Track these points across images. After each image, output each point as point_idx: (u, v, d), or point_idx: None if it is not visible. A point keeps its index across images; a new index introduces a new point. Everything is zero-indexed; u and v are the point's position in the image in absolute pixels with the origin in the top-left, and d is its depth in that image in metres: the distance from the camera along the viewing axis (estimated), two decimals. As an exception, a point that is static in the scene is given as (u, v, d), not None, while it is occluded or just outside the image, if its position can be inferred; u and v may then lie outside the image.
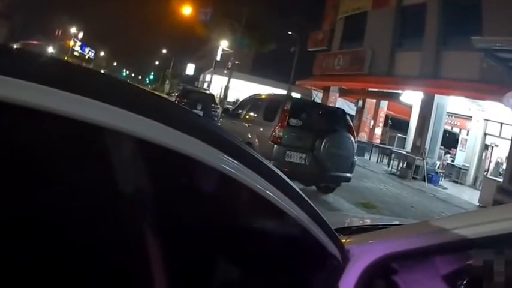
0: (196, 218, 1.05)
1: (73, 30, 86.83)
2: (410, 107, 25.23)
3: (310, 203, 1.35)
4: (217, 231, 1.12)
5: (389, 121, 32.61)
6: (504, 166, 18.60)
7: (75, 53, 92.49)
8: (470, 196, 17.76)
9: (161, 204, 0.97)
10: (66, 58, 67.39)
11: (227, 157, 1.02)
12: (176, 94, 29.03)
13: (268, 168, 1.20)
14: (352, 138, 10.35)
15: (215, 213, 1.10)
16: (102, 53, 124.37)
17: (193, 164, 0.95)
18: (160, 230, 0.96)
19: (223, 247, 1.15)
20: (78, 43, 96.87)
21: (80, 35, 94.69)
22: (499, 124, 21.64)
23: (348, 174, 10.58)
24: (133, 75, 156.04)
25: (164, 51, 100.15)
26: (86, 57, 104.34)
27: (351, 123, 11.03)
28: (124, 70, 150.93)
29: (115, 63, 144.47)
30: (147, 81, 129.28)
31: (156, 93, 1.23)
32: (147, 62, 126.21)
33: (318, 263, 1.51)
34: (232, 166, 1.03)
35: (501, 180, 16.53)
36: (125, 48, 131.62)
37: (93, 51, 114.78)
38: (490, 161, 22.31)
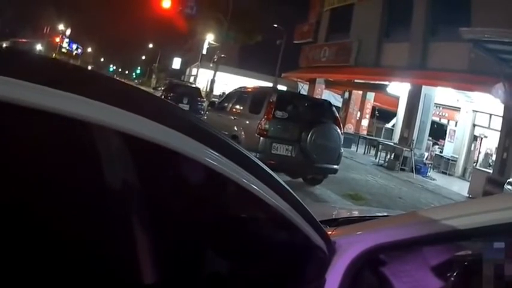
0: (180, 211, 1.07)
1: (61, 27, 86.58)
2: (397, 98, 25.41)
3: (294, 194, 1.34)
4: (200, 224, 1.12)
5: (376, 112, 32.78)
6: (493, 157, 18.88)
7: (63, 50, 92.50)
8: (460, 187, 17.91)
9: (145, 198, 0.99)
10: (54, 55, 67.63)
11: (209, 150, 1.01)
12: (162, 88, 29.03)
13: (251, 160, 1.20)
14: (339, 130, 10.36)
15: (198, 206, 1.11)
16: (89, 49, 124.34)
17: (176, 157, 0.96)
18: (145, 223, 0.98)
19: (207, 240, 1.17)
20: (66, 40, 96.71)
21: (68, 31, 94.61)
22: (488, 115, 21.80)
23: (335, 166, 10.61)
24: (120, 70, 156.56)
25: (150, 45, 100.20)
26: (74, 53, 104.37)
27: (337, 115, 11.05)
28: (111, 65, 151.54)
29: (102, 59, 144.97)
30: (134, 76, 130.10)
31: (141, 88, 1.23)
32: (134, 57, 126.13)
33: (303, 255, 1.48)
34: (214, 159, 1.02)
35: (491, 171, 16.80)
36: (111, 43, 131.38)
37: (81, 48, 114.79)
38: (479, 152, 22.62)
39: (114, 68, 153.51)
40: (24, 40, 60.10)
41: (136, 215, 0.97)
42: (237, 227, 1.23)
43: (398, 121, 24.89)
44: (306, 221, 1.36)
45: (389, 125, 30.62)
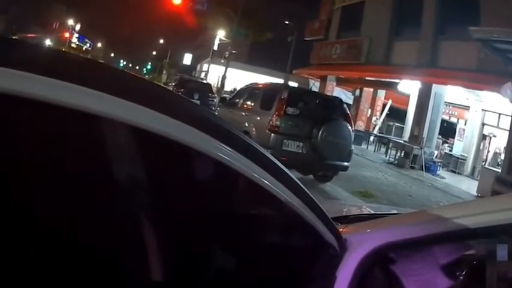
0: (192, 205, 1.07)
1: (70, 22, 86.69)
2: (408, 96, 25.27)
3: (307, 191, 1.34)
4: (212, 219, 1.13)
5: (387, 110, 32.66)
6: (502, 156, 18.78)
7: (73, 45, 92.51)
8: (468, 186, 17.82)
9: (157, 192, 0.99)
10: (63, 50, 67.52)
11: (222, 145, 1.01)
12: (173, 84, 29.04)
13: (264, 155, 1.20)
14: (350, 127, 10.35)
15: (210, 201, 1.12)
16: (99, 44, 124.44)
17: (189, 152, 0.95)
18: (156, 217, 0.99)
19: (219, 235, 1.17)
20: (76, 35, 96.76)
21: (78, 26, 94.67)
22: (497, 114, 21.69)
23: (346, 163, 10.58)
24: (130, 65, 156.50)
25: (161, 41, 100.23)
26: (84, 48, 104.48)
27: (348, 112, 11.03)
28: (121, 60, 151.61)
29: (112, 54, 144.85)
30: (145, 72, 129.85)
31: (154, 82, 1.22)
32: (144, 52, 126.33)
33: (315, 252, 1.50)
34: (226, 153, 1.02)
35: (499, 170, 16.67)
36: (121, 39, 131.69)
37: (91, 43, 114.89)
38: (488, 151, 22.48)
39: (124, 63, 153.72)
40: (32, 35, 60.07)
41: (150, 209, 0.98)
42: (250, 223, 1.24)
43: (408, 119, 24.80)
44: (318, 217, 1.37)
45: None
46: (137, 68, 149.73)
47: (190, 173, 1.06)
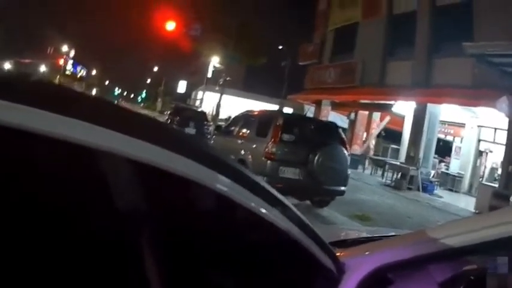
0: (190, 235, 1.08)
1: (65, 48, 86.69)
2: (402, 118, 25.40)
3: (303, 217, 1.35)
4: (210, 248, 1.14)
5: (382, 132, 32.68)
6: (499, 171, 18.81)
7: (67, 72, 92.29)
8: (466, 203, 17.85)
9: (156, 225, 1.00)
10: (58, 77, 67.56)
11: (218, 175, 1.01)
12: (169, 112, 29.16)
13: (259, 184, 1.20)
14: (345, 151, 10.40)
15: (207, 230, 1.12)
16: (94, 72, 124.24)
17: (185, 183, 0.95)
18: (157, 248, 0.99)
19: (217, 264, 1.17)
20: (70, 61, 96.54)
21: (72, 53, 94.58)
22: (493, 129, 21.80)
23: (342, 188, 10.63)
24: (125, 93, 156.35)
25: (156, 68, 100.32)
26: (78, 76, 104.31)
27: (344, 136, 11.12)
28: (116, 89, 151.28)
29: (107, 82, 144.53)
30: (139, 100, 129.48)
31: (148, 115, 1.23)
32: (139, 80, 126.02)
33: (312, 276, 1.51)
34: (222, 183, 1.03)
35: (497, 185, 16.71)
36: (116, 66, 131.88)
37: (86, 70, 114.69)
38: (485, 167, 22.60)
39: (119, 91, 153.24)
40: (27, 61, 60.08)
41: (150, 241, 0.99)
42: (248, 251, 1.25)
43: (404, 140, 24.86)
44: (315, 242, 1.38)
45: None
46: (132, 96, 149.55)
47: (186, 204, 1.06)
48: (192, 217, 1.08)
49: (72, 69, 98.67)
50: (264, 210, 1.16)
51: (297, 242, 1.31)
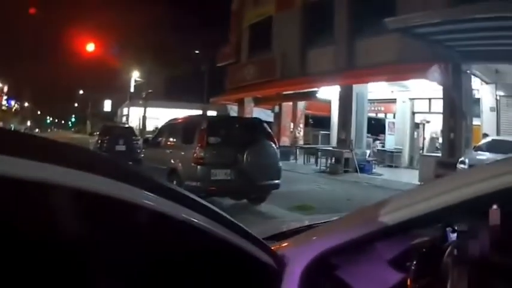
0: (128, 253, 1.06)
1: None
2: (329, 103, 25.69)
3: (230, 217, 1.36)
4: (144, 264, 1.13)
5: (310, 120, 32.95)
6: (440, 140, 19.04)
7: (3, 107, 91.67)
8: (409, 177, 17.95)
9: (94, 248, 0.98)
10: None
11: (146, 192, 1.04)
12: (98, 133, 28.65)
13: (184, 195, 1.22)
14: (274, 145, 10.50)
15: (135, 244, 1.10)
16: (26, 104, 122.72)
17: (121, 205, 0.97)
18: (90, 271, 0.98)
19: (153, 279, 1.15)
20: (5, 97, 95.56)
21: (5, 88, 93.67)
22: (427, 100, 22.20)
23: (276, 181, 10.74)
24: (56, 121, 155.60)
25: (81, 91, 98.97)
26: (13, 109, 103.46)
27: (270, 131, 11.22)
28: (48, 117, 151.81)
29: (39, 112, 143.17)
30: (70, 125, 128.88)
31: (77, 145, 1.23)
32: (67, 106, 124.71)
33: (252, 275, 1.47)
34: (149, 199, 1.04)
35: (439, 155, 17.05)
36: (45, 96, 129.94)
37: (19, 103, 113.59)
38: (424, 139, 22.93)
39: (51, 119, 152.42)
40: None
41: (91, 266, 0.98)
42: (181, 262, 1.23)
43: (333, 124, 25.02)
44: (246, 239, 1.37)
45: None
46: (63, 122, 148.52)
47: (118, 224, 1.05)
48: (117, 232, 1.05)
49: (6, 104, 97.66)
50: (190, 218, 1.16)
51: (227, 242, 1.30)
